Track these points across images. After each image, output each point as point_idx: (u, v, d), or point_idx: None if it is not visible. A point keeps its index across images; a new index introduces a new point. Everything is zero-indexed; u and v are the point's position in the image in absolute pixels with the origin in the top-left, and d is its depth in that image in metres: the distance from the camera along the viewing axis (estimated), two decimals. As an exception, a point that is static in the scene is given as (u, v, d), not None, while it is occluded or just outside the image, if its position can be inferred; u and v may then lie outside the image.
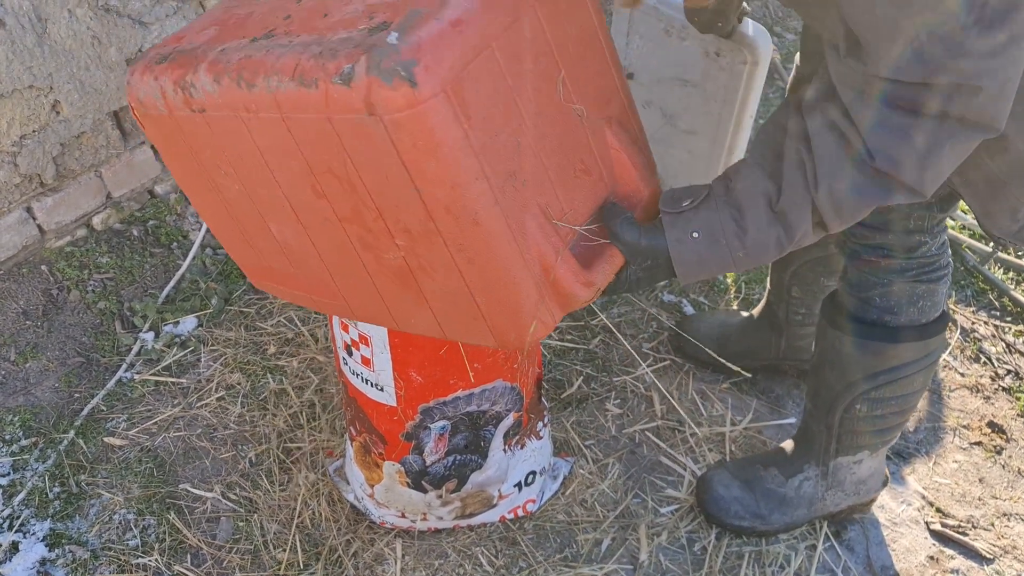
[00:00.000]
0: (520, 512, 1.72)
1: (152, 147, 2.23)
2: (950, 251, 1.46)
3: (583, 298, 1.12)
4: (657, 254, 1.14)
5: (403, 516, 1.65)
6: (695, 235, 1.11)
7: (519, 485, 1.67)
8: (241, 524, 1.69)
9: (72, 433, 1.80)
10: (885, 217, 1.35)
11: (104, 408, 1.86)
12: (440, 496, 1.60)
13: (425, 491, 1.58)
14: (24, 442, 1.78)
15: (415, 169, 0.95)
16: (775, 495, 1.68)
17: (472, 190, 0.97)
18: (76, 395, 1.89)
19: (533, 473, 1.68)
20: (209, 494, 1.73)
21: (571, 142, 1.11)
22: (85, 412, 1.84)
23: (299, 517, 1.69)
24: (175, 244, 2.21)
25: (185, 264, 2.13)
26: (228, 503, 1.72)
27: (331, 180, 1.06)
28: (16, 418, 1.82)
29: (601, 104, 1.15)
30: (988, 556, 1.72)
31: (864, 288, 1.43)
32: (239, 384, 1.91)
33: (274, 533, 1.68)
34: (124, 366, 1.94)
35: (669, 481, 1.81)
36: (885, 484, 1.72)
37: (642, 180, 1.20)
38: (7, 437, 1.79)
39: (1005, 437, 1.92)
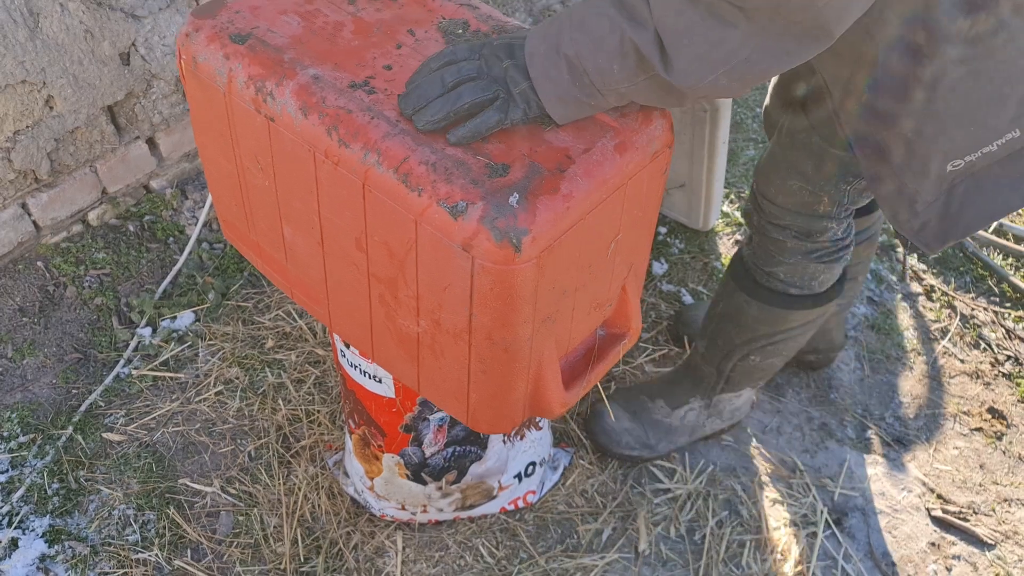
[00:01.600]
0: (520, 503, 1.71)
1: (147, 142, 2.22)
2: (853, 230, 1.49)
3: (556, 414, 1.23)
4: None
5: (403, 508, 1.65)
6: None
7: (519, 476, 1.66)
8: (241, 518, 1.69)
9: (70, 429, 1.79)
10: (795, 199, 1.38)
11: (102, 404, 1.86)
12: (440, 488, 1.59)
13: (425, 483, 1.58)
14: (22, 439, 1.78)
15: (479, 300, 1.03)
16: (662, 425, 1.78)
17: (516, 330, 1.07)
18: (74, 391, 1.88)
19: (533, 464, 1.68)
20: (208, 488, 1.73)
21: (598, 286, 1.20)
22: (83, 408, 1.83)
23: (299, 511, 1.69)
24: (171, 239, 2.20)
25: (182, 259, 2.12)
26: (228, 497, 1.71)
27: (383, 250, 1.10)
28: (14, 415, 1.82)
29: (631, 255, 1.23)
30: (989, 542, 1.72)
31: (770, 264, 1.49)
32: (237, 378, 1.91)
33: (274, 527, 1.67)
34: (122, 362, 1.93)
35: (667, 471, 1.80)
36: (753, 407, 1.87)
37: (635, 317, 1.30)
38: (5, 434, 1.79)
39: (1005, 423, 1.92)
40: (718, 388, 1.74)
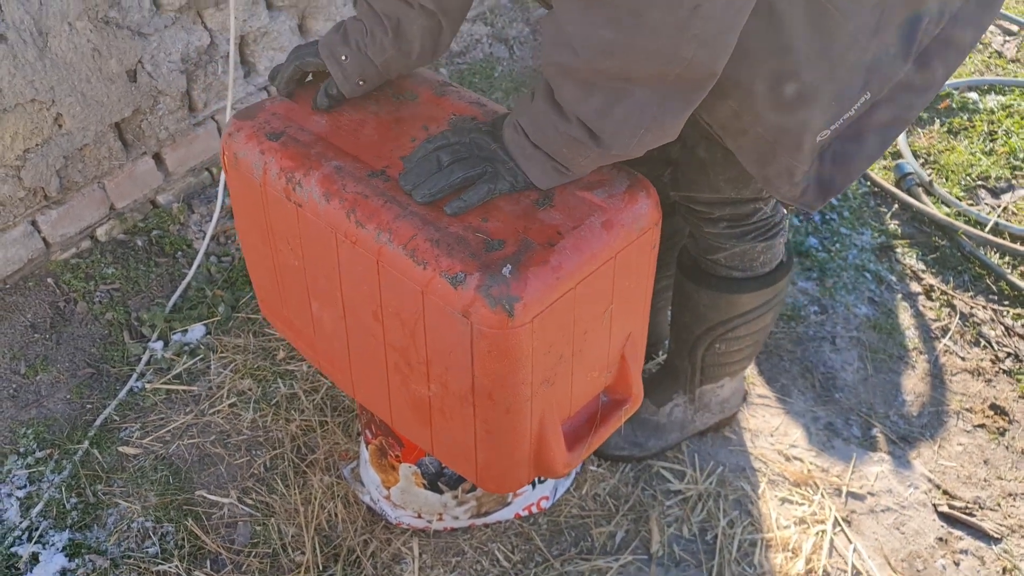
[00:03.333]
0: (534, 509, 1.74)
1: (153, 157, 2.24)
2: (783, 207, 1.54)
3: (560, 474, 1.31)
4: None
5: (419, 516, 1.67)
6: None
7: (533, 483, 1.69)
8: (258, 528, 1.71)
9: (86, 444, 1.81)
10: (718, 192, 1.42)
11: (117, 418, 1.87)
12: (456, 496, 1.62)
13: (441, 492, 1.60)
14: (39, 454, 1.79)
15: (480, 363, 1.13)
16: (650, 423, 1.81)
17: (515, 390, 1.16)
18: (88, 406, 1.90)
19: (546, 469, 1.70)
20: (226, 500, 1.74)
21: (597, 352, 1.29)
22: (98, 423, 1.85)
23: (316, 519, 1.71)
24: (179, 253, 2.22)
25: (191, 273, 2.14)
26: (245, 508, 1.73)
27: (396, 320, 1.21)
28: (30, 430, 1.83)
29: (627, 324, 1.32)
30: (996, 536, 1.75)
31: (710, 252, 1.54)
32: (250, 390, 1.93)
33: (292, 536, 1.69)
34: (135, 376, 1.95)
35: (677, 472, 1.83)
36: (745, 399, 1.91)
37: (636, 385, 1.39)
38: (22, 450, 1.80)
39: (1008, 419, 1.96)
40: (696, 380, 1.76)
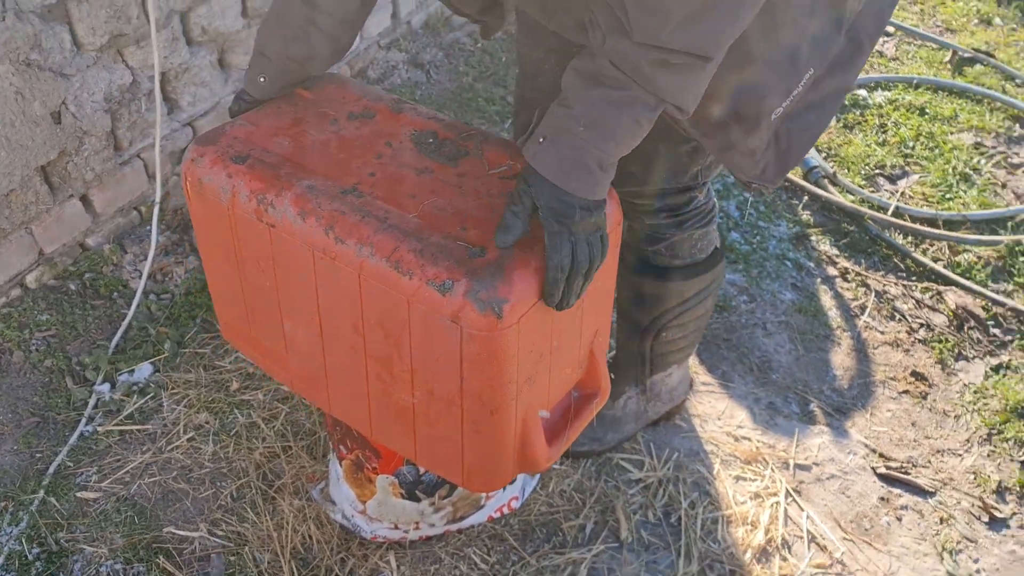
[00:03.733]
0: (505, 510, 1.78)
1: (81, 199, 2.20)
2: (714, 193, 1.67)
3: (542, 468, 1.36)
4: (529, 179, 1.16)
5: (396, 527, 1.69)
6: (541, 140, 1.15)
7: (503, 483, 1.73)
8: (232, 558, 1.69)
9: (42, 492, 1.76)
10: (656, 185, 1.53)
11: (71, 464, 1.83)
12: (433, 503, 1.65)
13: (419, 500, 1.63)
14: (-9, 508, 1.73)
15: (469, 366, 1.17)
16: (606, 418, 1.89)
17: (502, 390, 1.21)
18: (38, 455, 1.84)
19: (514, 469, 1.75)
20: (195, 533, 1.72)
21: (570, 349, 1.35)
22: (51, 470, 1.80)
23: (291, 543, 1.71)
24: (115, 294, 2.18)
25: (130, 312, 2.11)
26: (216, 539, 1.72)
27: (378, 331, 1.24)
28: (-22, 486, 1.77)
29: (595, 320, 1.39)
30: (930, 490, 1.89)
31: (651, 243, 1.63)
32: (207, 423, 1.91)
33: (268, 562, 1.69)
34: (84, 420, 1.91)
35: (636, 462, 1.91)
36: (691, 387, 2.01)
37: (604, 379, 1.45)
38: (-28, 506, 1.74)
39: (928, 383, 2.12)
40: (647, 371, 1.84)
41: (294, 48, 1.35)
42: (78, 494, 1.77)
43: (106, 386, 1.98)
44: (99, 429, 1.89)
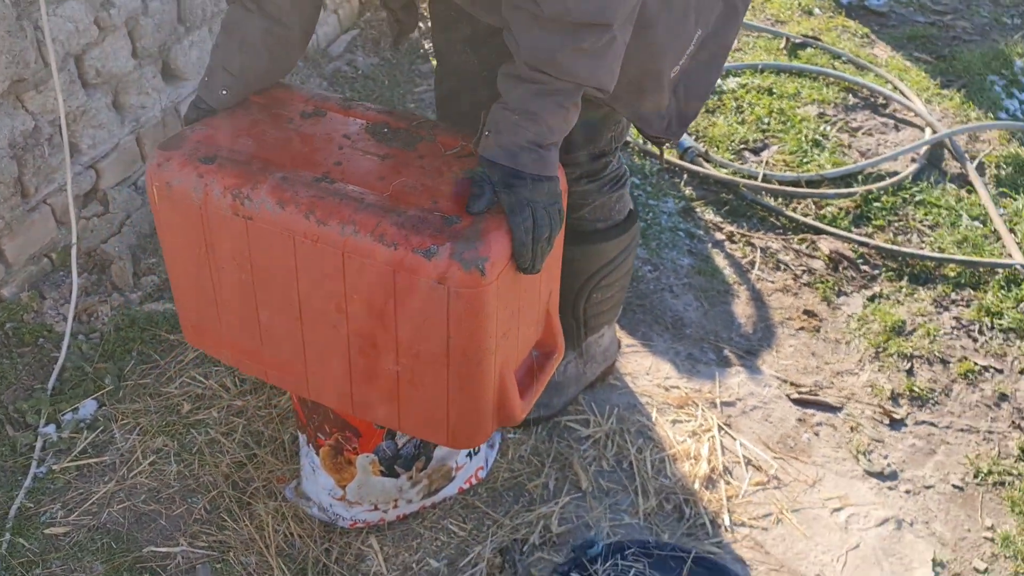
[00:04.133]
0: (474, 480, 1.89)
1: (-7, 249, 2.16)
2: (623, 159, 1.89)
3: (518, 419, 1.49)
4: (486, 167, 1.33)
5: (375, 508, 1.77)
6: (487, 133, 1.34)
7: (469, 455, 1.85)
8: (219, 566, 1.72)
9: (8, 535, 1.73)
10: (575, 153, 1.71)
11: (31, 505, 1.80)
12: (411, 477, 1.74)
13: (397, 475, 1.72)
14: (-44, 559, 1.69)
15: (455, 323, 1.29)
16: (551, 384, 1.97)
17: (485, 343, 1.33)
18: (-7, 503, 1.81)
19: (477, 440, 1.87)
20: (177, 548, 1.74)
21: (533, 308, 1.49)
22: (12, 514, 1.77)
23: (274, 542, 1.76)
24: (41, 339, 2.15)
25: (63, 353, 2.08)
26: (199, 551, 1.74)
27: (362, 307, 1.34)
28: (-65, 541, 1.72)
29: (549, 282, 1.54)
30: (838, 406, 2.14)
31: (574, 209, 1.76)
32: (166, 446, 1.92)
33: (255, 564, 1.73)
34: (34, 463, 1.88)
35: (582, 421, 2.06)
36: (619, 348, 2.18)
37: (559, 336, 1.61)
38: (-67, 561, 1.69)
39: (818, 319, 2.39)
40: (582, 334, 2.00)
41: (257, 61, 1.45)
42: (46, 531, 1.75)
43: (51, 427, 1.96)
44: (54, 468, 1.87)
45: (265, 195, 1.33)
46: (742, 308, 2.41)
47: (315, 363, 1.48)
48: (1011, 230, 2.61)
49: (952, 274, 2.49)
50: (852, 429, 2.09)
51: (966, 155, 2.91)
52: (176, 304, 1.59)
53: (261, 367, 1.56)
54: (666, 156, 2.89)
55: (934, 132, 2.98)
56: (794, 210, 2.72)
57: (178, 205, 1.40)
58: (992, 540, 1.86)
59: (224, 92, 1.46)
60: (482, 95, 1.47)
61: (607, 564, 1.64)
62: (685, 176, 2.85)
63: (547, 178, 1.34)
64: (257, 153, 1.40)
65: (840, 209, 2.72)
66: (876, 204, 2.73)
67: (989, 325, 2.35)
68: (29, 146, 2.18)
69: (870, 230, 2.66)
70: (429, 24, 3.49)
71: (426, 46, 3.48)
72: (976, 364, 2.24)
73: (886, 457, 2.03)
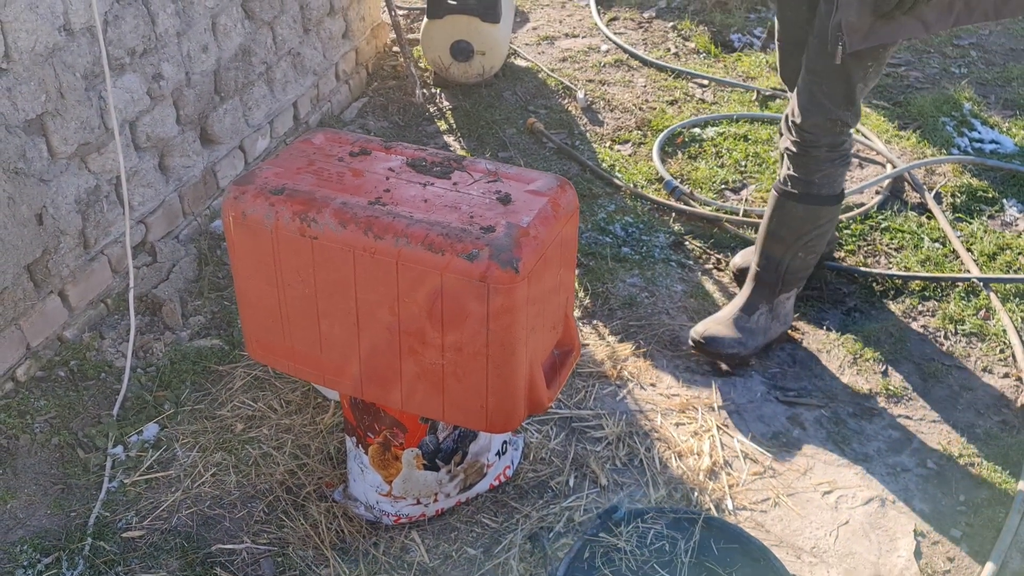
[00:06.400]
0: (502, 478, 2.12)
1: (59, 295, 2.41)
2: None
3: (545, 407, 1.73)
4: None
5: (417, 503, 1.99)
6: None
7: (499, 453, 2.08)
8: (280, 559, 1.93)
9: (90, 540, 1.93)
10: (828, 126, 2.22)
11: (107, 514, 2.01)
12: (449, 471, 1.97)
13: (438, 469, 1.95)
14: (46, 560, 1.89)
15: (494, 317, 1.54)
16: (746, 328, 2.48)
17: (519, 334, 1.58)
18: (72, 514, 2.01)
19: (505, 443, 2.10)
20: (242, 545, 1.95)
21: (553, 310, 1.76)
22: (91, 522, 1.98)
23: (328, 537, 1.97)
24: (103, 374, 2.38)
25: (124, 385, 2.31)
26: (261, 547, 1.95)
27: (412, 308, 1.60)
28: (26, 546, 1.92)
29: (566, 289, 1.81)
30: (821, 405, 2.39)
31: (809, 173, 2.29)
32: (224, 460, 2.14)
33: (312, 557, 1.93)
34: (106, 479, 2.09)
35: (596, 426, 2.30)
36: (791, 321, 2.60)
37: (576, 337, 1.87)
38: (25, 563, 1.89)
39: (800, 332, 2.65)
40: (777, 290, 2.45)
41: None
42: (123, 535, 1.96)
43: (119, 448, 2.17)
44: (125, 482, 2.09)
45: (329, 217, 1.59)
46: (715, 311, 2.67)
47: (369, 364, 1.72)
48: (968, 249, 2.90)
49: (918, 288, 2.77)
50: (836, 424, 2.33)
51: (924, 186, 3.22)
52: (242, 322, 1.84)
53: (320, 373, 1.80)
54: (655, 197, 3.19)
55: (895, 167, 3.30)
56: (773, 240, 3.00)
57: (251, 231, 1.66)
58: (965, 512, 2.09)
59: None
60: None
61: (629, 526, 1.86)
62: (673, 214, 3.14)
63: None
64: (318, 185, 1.67)
65: (815, 237, 3.00)
66: (847, 231, 3.02)
67: (953, 331, 2.62)
68: (91, 202, 2.45)
69: (842, 254, 2.94)
70: (428, 90, 3.83)
71: (431, 109, 3.81)
72: (943, 364, 2.50)
73: (868, 446, 2.27)
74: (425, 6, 3.89)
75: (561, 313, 1.82)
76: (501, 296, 1.53)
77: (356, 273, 1.62)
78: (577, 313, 2.69)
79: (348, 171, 1.73)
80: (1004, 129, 3.60)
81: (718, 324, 2.51)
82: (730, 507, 2.09)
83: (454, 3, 3.75)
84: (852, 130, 2.31)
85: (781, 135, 2.43)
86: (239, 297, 1.80)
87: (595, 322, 2.68)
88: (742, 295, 2.54)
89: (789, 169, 2.36)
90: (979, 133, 3.54)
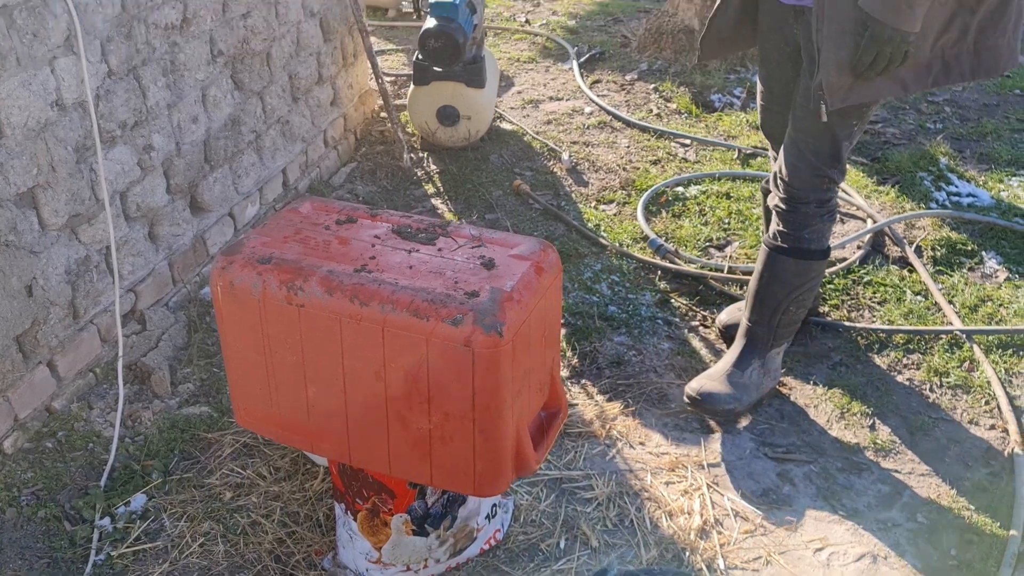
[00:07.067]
0: (492, 542, 2.11)
1: (47, 365, 2.41)
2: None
3: (533, 469, 1.73)
4: (866, 20, 1.98)
5: (408, 569, 1.98)
6: None
7: (488, 517, 2.07)
8: (269, 631, 1.91)
9: (76, 614, 1.91)
10: (815, 183, 2.30)
11: (94, 588, 1.99)
12: (439, 536, 1.96)
13: (427, 534, 1.94)
14: (31, 638, 1.86)
15: (480, 380, 1.56)
16: (739, 384, 2.50)
17: (505, 397, 1.60)
18: (59, 588, 1.99)
19: (495, 506, 2.10)
20: (230, 617, 1.93)
21: (539, 371, 1.79)
22: (78, 596, 1.95)
23: (318, 606, 1.95)
24: (91, 444, 2.37)
25: (112, 455, 2.31)
26: (250, 618, 1.93)
27: (398, 373, 1.62)
28: (10, 623, 1.89)
29: (552, 350, 1.84)
30: (810, 461, 2.39)
31: (798, 229, 2.35)
32: (212, 529, 2.13)
33: (301, 627, 1.91)
34: (93, 552, 2.07)
35: (586, 487, 2.30)
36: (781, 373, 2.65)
37: (563, 398, 1.90)
38: (9, 640, 1.86)
39: (788, 387, 2.67)
40: (769, 344, 2.48)
41: None
42: (110, 609, 1.94)
43: (106, 520, 2.16)
44: (112, 555, 2.07)
45: (315, 285, 1.62)
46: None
47: (357, 430, 1.73)
48: (950, 301, 2.94)
49: (902, 342, 2.80)
50: (826, 479, 2.33)
51: (905, 240, 3.28)
52: (231, 390, 1.85)
53: (308, 439, 1.80)
54: (640, 255, 3.23)
55: (875, 222, 3.36)
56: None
57: (239, 300, 1.69)
58: (957, 566, 2.09)
59: None
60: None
61: (620, 589, 1.85)
62: (659, 272, 3.18)
63: (903, 35, 1.94)
64: (305, 253, 1.70)
65: (799, 293, 3.04)
66: (830, 286, 3.06)
67: (938, 383, 2.64)
68: (81, 273, 2.47)
69: (826, 309, 2.98)
70: (415, 155, 3.90)
71: (419, 173, 3.87)
72: (929, 417, 2.52)
73: (858, 501, 2.27)
74: (412, 73, 3.99)
75: (547, 375, 1.83)
76: (486, 360, 1.55)
77: (343, 340, 1.64)
78: (565, 372, 2.71)
79: (334, 239, 1.76)
80: (980, 183, 3.68)
81: (712, 380, 2.53)
82: (722, 567, 2.09)
83: (440, 70, 3.84)
84: (838, 187, 2.37)
85: (767, 192, 2.49)
86: (227, 365, 1.82)
87: (583, 381, 2.69)
88: (734, 350, 2.57)
89: (779, 225, 2.41)
90: (956, 187, 3.62)
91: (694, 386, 2.52)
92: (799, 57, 2.27)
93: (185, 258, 2.92)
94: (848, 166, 3.84)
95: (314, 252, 1.71)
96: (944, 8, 2.01)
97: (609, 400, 2.61)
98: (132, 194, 2.64)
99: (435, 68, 3.84)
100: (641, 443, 2.45)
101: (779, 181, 2.37)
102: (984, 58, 2.08)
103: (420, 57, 3.84)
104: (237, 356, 1.78)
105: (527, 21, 5.75)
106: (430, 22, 3.75)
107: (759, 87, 2.57)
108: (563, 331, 2.87)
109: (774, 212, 2.42)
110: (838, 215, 2.54)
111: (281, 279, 1.64)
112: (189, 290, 2.95)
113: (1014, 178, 3.71)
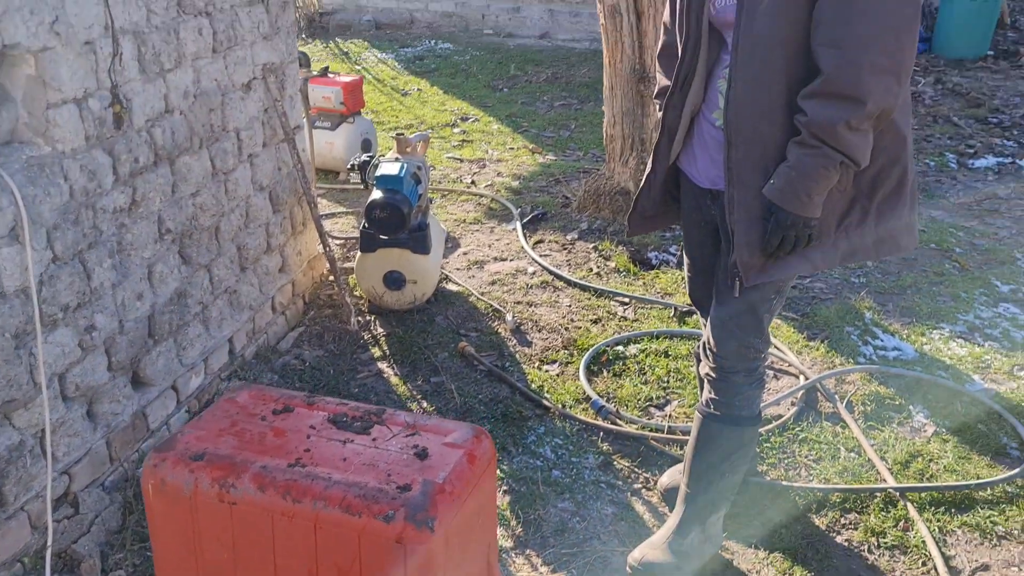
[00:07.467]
0: None
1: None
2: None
3: None
4: (770, 206, 2.13)
5: None
6: (772, 181, 2.10)
7: None
8: None
9: None
10: (743, 354, 2.39)
11: None
12: None
13: None
14: None
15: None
16: (680, 552, 2.54)
17: None
18: None
19: None
20: None
21: (476, 562, 1.79)
22: None
23: None
24: (13, 642, 2.27)
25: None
26: None
27: (332, 570, 1.63)
28: None
29: (488, 535, 1.88)
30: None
31: (729, 397, 2.42)
32: None
33: None
34: None
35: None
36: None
37: None
38: None
39: (730, 552, 2.68)
40: (708, 511, 2.52)
41: None
42: None
43: None
44: None
45: (248, 482, 1.64)
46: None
47: None
48: (882, 458, 3.02)
49: (838, 501, 2.85)
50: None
51: (836, 396, 3.39)
52: None
53: None
54: (583, 417, 3.28)
55: (807, 378, 3.47)
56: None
57: (171, 498, 1.69)
58: None
59: None
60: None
61: None
62: (601, 434, 3.23)
63: (805, 221, 2.10)
64: (239, 448, 1.73)
65: (737, 452, 3.10)
66: (767, 444, 3.13)
67: (876, 544, 2.68)
68: (13, 459, 2.43)
69: (764, 468, 3.03)
70: (363, 318, 3.97)
71: (366, 336, 3.93)
72: (870, 580, 2.54)
73: (803, 674, 2.25)
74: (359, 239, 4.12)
75: (484, 565, 1.84)
76: (418, 556, 1.56)
77: (275, 537, 1.64)
78: (510, 543, 2.69)
79: (270, 431, 1.79)
80: (904, 336, 3.85)
81: (654, 549, 2.54)
82: None
83: (385, 238, 3.98)
84: (764, 355, 2.48)
85: (699, 360, 2.58)
86: (156, 563, 1.79)
87: (528, 551, 2.68)
88: (674, 517, 2.59)
89: (711, 393, 2.49)
90: (882, 341, 3.78)
91: (636, 556, 2.52)
92: (718, 235, 2.42)
93: (124, 435, 2.89)
94: (779, 321, 4.01)
95: (249, 446, 1.74)
96: (844, 195, 2.18)
97: (554, 572, 2.59)
98: (71, 375, 2.64)
99: (381, 236, 3.98)
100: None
101: (708, 352, 2.47)
102: (886, 240, 2.25)
103: (367, 226, 3.97)
104: (167, 552, 1.76)
105: (473, 182, 6.00)
106: (376, 193, 3.91)
107: (685, 259, 2.71)
108: (507, 499, 2.87)
109: (705, 380, 2.51)
110: (772, 372, 2.62)
111: (213, 476, 1.66)
112: (126, 468, 2.91)
113: (935, 331, 3.90)
